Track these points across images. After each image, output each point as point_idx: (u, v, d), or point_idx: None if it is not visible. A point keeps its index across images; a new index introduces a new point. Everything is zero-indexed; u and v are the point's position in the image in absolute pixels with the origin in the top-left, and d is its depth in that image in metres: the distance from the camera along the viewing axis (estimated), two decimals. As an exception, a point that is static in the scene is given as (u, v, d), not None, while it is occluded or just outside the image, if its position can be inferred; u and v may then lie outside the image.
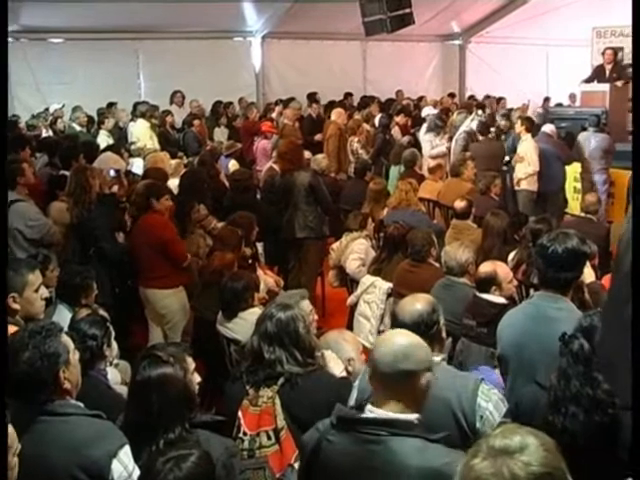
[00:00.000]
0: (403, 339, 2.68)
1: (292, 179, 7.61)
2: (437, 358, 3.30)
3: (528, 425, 1.85)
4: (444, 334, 3.41)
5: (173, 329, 6.40)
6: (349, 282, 7.09)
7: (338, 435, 2.62)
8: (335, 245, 7.46)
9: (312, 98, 14.33)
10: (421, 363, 2.63)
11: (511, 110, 13.69)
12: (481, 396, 3.10)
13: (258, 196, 9.41)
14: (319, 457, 2.66)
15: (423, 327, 3.24)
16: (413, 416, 2.59)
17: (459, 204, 7.53)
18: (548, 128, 10.48)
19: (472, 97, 15.83)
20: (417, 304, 3.34)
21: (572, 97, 15.07)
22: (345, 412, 2.66)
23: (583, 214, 7.69)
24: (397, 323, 3.35)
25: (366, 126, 12.15)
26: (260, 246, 7.67)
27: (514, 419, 3.40)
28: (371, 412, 2.61)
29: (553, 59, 17.77)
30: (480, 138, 10.71)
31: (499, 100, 14.83)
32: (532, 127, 10.32)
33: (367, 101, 14.58)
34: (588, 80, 13.07)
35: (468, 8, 15.53)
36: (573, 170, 10.85)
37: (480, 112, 11.57)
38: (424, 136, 11.12)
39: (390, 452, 2.50)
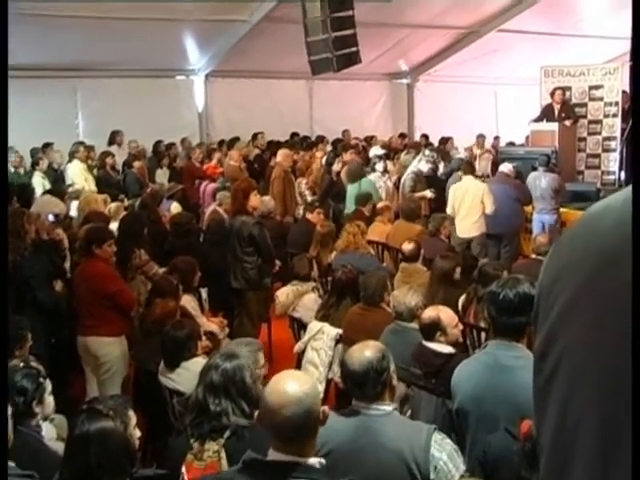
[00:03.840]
0: (294, 386, 2.65)
1: (234, 225, 7.61)
2: (388, 407, 3.33)
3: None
4: (395, 382, 3.44)
5: (112, 379, 6.30)
6: (296, 328, 7.09)
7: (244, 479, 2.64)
8: (281, 292, 7.40)
9: (257, 138, 14.45)
10: (316, 406, 2.64)
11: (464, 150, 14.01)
12: (434, 446, 3.11)
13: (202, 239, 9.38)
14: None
15: (373, 374, 3.27)
16: (315, 460, 2.61)
17: (407, 246, 7.60)
18: (506, 168, 10.70)
19: (425, 136, 16.07)
20: (366, 351, 3.36)
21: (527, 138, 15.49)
22: (250, 456, 2.67)
23: (534, 255, 7.79)
24: (346, 371, 3.37)
25: (315, 167, 12.25)
26: (204, 292, 7.64)
27: (482, 466, 3.41)
28: (273, 456, 2.62)
29: (502, 98, 18.37)
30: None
31: (447, 140, 15.12)
32: (472, 170, 10.55)
33: (315, 141, 14.76)
34: (537, 119, 13.55)
35: (415, 47, 15.94)
36: (528, 210, 11.12)
37: (428, 152, 11.74)
38: (368, 177, 11.23)
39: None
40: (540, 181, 10.78)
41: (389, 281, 6.41)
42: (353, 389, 3.37)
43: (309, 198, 11.15)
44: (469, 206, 10.01)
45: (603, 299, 1.06)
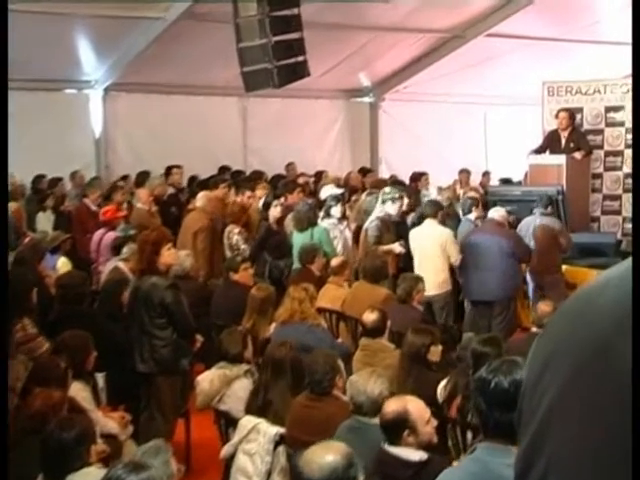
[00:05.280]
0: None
1: (141, 288, 7.62)
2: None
3: None
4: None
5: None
6: (224, 425, 7.07)
7: None
8: (204, 378, 7.36)
9: (173, 173, 14.45)
10: None
11: (440, 190, 14.16)
12: None
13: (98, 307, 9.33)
14: None
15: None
16: None
17: (370, 317, 7.61)
18: (497, 213, 10.88)
19: (393, 178, 16.12)
20: (328, 456, 3.37)
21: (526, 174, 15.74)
22: None
23: (535, 329, 7.87)
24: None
25: (254, 211, 12.25)
26: (101, 377, 7.59)
27: None
28: None
29: (493, 122, 18.74)
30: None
31: (420, 176, 15.35)
32: (436, 212, 10.75)
33: (251, 177, 14.86)
34: (539, 150, 13.86)
35: (381, 55, 16.19)
36: (525, 269, 11.28)
37: (388, 190, 11.77)
38: (321, 224, 11.28)
39: None
40: (538, 229, 11.04)
41: (346, 362, 6.45)
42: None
43: (247, 252, 11.12)
44: (429, 257, 10.27)
45: (593, 396, 1.14)
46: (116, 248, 10.32)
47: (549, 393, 1.21)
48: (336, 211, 11.50)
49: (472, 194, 12.91)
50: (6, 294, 3.76)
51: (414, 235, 10.73)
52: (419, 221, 11.40)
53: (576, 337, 1.20)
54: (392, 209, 11.30)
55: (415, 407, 4.72)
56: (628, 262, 1.20)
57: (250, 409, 6.59)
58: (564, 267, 11.22)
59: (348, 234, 11.63)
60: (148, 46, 13.33)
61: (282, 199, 12.29)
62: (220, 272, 10.89)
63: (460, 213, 12.21)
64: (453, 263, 10.49)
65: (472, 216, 11.49)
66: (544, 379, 1.23)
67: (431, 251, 10.37)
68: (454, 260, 10.43)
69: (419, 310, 8.98)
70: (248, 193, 12.68)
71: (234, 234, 11.45)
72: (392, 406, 4.75)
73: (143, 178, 14.08)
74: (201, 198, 11.72)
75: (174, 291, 7.56)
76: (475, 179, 16.24)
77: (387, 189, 11.83)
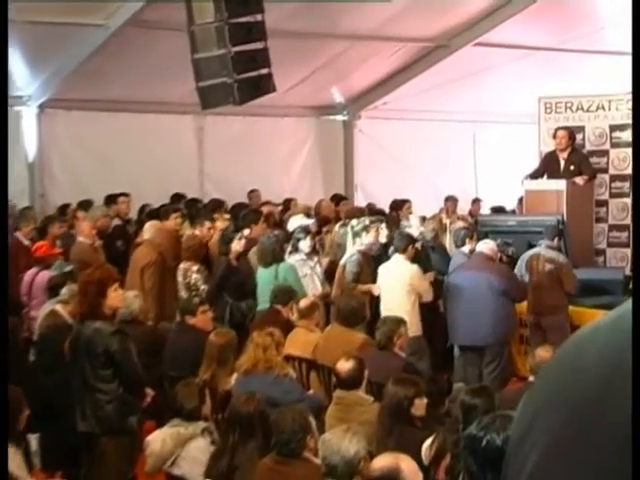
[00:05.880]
0: None
1: (82, 335, 7.56)
2: None
3: None
4: None
5: None
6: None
7: None
8: (155, 438, 7.31)
9: (118, 201, 14.40)
10: None
11: (424, 220, 14.17)
12: None
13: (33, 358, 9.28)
14: None
15: None
16: None
17: (345, 365, 7.60)
18: (487, 246, 10.94)
19: (371, 206, 16.13)
20: None
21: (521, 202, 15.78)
22: None
23: (532, 378, 7.90)
24: None
25: (213, 245, 12.19)
26: (34, 439, 7.53)
27: None
28: None
29: (483, 142, 18.84)
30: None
31: (402, 204, 15.43)
32: (407, 246, 10.82)
33: (209, 206, 14.84)
34: (535, 174, 13.93)
35: (356, 68, 16.23)
36: (521, 309, 11.40)
37: (355, 221, 11.77)
38: (288, 259, 11.35)
39: None
40: (541, 264, 11.07)
41: (318, 418, 6.42)
42: None
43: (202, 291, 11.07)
44: (396, 297, 10.37)
45: (584, 450, 1.16)
46: (52, 289, 10.26)
47: (538, 447, 1.23)
48: (305, 245, 11.47)
49: (461, 224, 12.95)
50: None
51: (381, 272, 10.86)
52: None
53: (566, 388, 1.22)
54: (368, 240, 11.29)
55: (408, 467, 4.75)
56: (625, 305, 1.23)
57: (211, 475, 6.54)
58: (565, 307, 11.25)
59: (319, 271, 11.62)
60: (89, 57, 13.27)
61: (246, 231, 12.22)
62: (172, 314, 10.83)
63: (448, 246, 12.25)
64: (425, 300, 10.58)
65: (466, 249, 11.54)
66: (533, 432, 1.25)
67: (399, 290, 10.42)
68: (426, 298, 10.53)
69: (401, 357, 8.96)
70: (208, 224, 12.66)
71: (192, 272, 11.39)
72: (382, 462, 4.79)
73: (84, 208, 14.01)
74: (149, 229, 11.69)
75: (121, 338, 7.52)
76: (464, 207, 16.33)
77: (354, 221, 11.96)
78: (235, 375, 8.35)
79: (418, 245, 11.47)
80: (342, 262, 11.47)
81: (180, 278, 11.38)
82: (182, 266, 11.46)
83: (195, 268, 11.39)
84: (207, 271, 11.53)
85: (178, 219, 12.66)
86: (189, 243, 11.73)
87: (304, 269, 11.32)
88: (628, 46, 14.37)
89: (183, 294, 11.24)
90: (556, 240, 11.54)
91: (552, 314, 10.95)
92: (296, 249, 11.53)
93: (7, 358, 2.61)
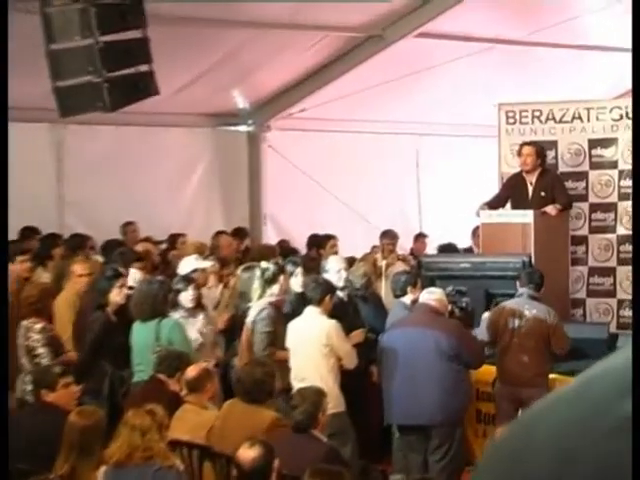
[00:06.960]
0: None
1: None
2: None
3: None
4: None
5: None
6: None
7: None
8: None
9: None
10: None
11: (353, 261, 14.19)
12: None
13: None
14: None
15: None
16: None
17: (249, 453, 7.58)
18: (432, 296, 10.97)
19: (284, 244, 16.22)
20: None
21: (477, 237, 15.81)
22: None
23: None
24: None
25: (70, 297, 12.10)
26: None
27: None
28: None
29: (428, 160, 19.01)
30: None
31: (325, 241, 15.51)
32: (324, 297, 10.86)
33: (71, 242, 14.77)
34: (494, 203, 14.02)
35: (264, 64, 16.28)
36: (479, 378, 11.51)
37: (265, 264, 11.80)
38: (172, 315, 11.19)
39: None
40: (518, 319, 11.08)
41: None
42: None
43: (45, 361, 10.90)
44: (309, 359, 10.49)
45: None
46: None
47: None
48: (187, 298, 11.44)
49: (401, 267, 12.99)
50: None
51: (290, 330, 10.88)
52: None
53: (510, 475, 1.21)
54: (280, 289, 11.36)
55: None
56: (595, 368, 1.26)
57: None
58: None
59: (209, 330, 11.61)
60: None
61: (130, 277, 12.20)
62: (12, 388, 10.65)
63: (384, 295, 12.30)
64: (346, 366, 10.57)
65: (407, 299, 11.64)
66: None
67: (312, 354, 10.47)
68: (347, 363, 10.52)
69: (322, 442, 8.96)
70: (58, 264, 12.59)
71: (33, 332, 11.25)
72: None
73: None
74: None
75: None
76: (404, 245, 16.42)
77: (263, 264, 12.03)
78: (103, 468, 8.13)
79: (342, 294, 11.46)
80: (249, 320, 11.42)
81: (21, 339, 11.24)
82: (23, 324, 11.30)
83: (38, 327, 11.29)
84: (54, 330, 11.43)
85: (26, 263, 12.47)
86: (31, 292, 11.63)
87: (196, 327, 11.39)
88: (609, 40, 14.64)
89: (24, 361, 11.09)
90: (541, 289, 11.52)
91: (532, 386, 10.86)
92: (175, 304, 11.48)
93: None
